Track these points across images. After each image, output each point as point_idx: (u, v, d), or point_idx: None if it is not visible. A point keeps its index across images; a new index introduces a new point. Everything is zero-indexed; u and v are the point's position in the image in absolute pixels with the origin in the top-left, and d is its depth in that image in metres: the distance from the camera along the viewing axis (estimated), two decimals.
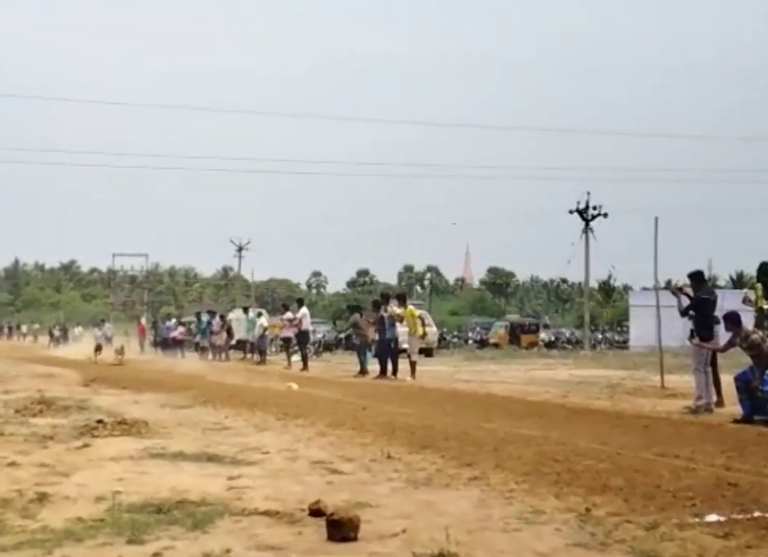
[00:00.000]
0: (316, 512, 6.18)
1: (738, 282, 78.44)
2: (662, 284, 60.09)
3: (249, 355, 35.60)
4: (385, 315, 23.99)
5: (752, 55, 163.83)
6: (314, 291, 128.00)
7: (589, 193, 55.09)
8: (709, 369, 14.13)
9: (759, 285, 13.68)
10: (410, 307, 24.49)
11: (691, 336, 14.42)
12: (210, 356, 37.02)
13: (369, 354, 25.41)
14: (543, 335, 59.33)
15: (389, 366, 23.40)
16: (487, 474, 7.95)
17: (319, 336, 43.66)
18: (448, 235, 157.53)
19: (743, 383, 12.61)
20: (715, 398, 14.14)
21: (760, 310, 13.07)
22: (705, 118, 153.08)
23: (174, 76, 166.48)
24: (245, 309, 38.80)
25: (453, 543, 5.31)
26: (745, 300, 13.81)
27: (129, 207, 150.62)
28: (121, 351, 33.38)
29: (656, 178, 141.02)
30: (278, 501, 6.80)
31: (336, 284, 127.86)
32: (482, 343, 55.31)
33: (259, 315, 36.06)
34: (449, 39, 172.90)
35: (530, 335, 57.65)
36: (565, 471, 8.08)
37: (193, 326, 40.98)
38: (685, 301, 14.44)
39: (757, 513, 6.28)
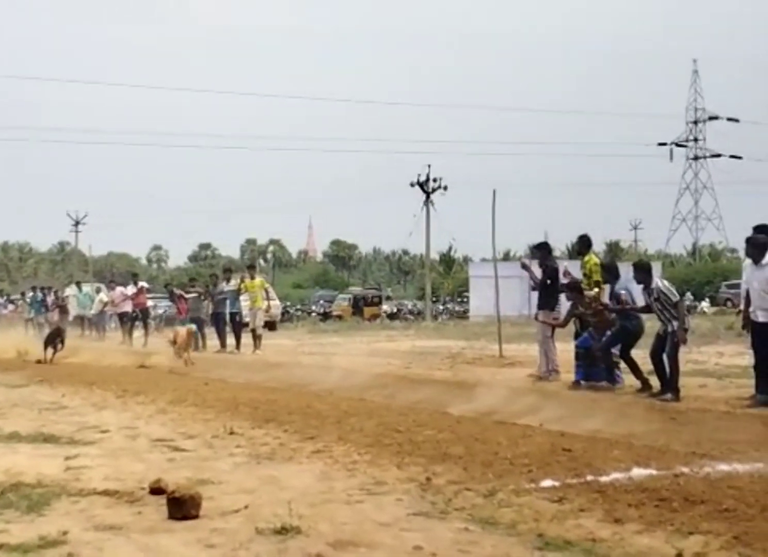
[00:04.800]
0: (156, 490, 6.08)
1: (573, 253, 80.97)
2: (501, 255, 61.06)
3: (87, 332, 34.69)
4: (226, 288, 23.86)
5: (588, 30, 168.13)
6: (155, 265, 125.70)
7: (429, 166, 55.78)
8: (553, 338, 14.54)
9: (593, 258, 14.11)
10: (260, 279, 24.44)
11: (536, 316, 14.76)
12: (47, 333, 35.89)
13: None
14: (385, 307, 59.86)
15: (231, 341, 23.31)
16: (330, 447, 7.99)
17: (161, 311, 42.91)
18: (291, 208, 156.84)
19: (584, 349, 13.04)
20: (551, 366, 14.54)
21: (597, 283, 13.48)
22: (543, 92, 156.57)
23: (12, 44, 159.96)
24: (78, 284, 37.75)
25: (295, 516, 5.31)
26: (565, 274, 14.26)
27: None
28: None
29: (494, 151, 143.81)
30: (118, 481, 6.66)
31: (177, 258, 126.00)
32: (325, 316, 55.41)
33: (98, 290, 35.14)
34: (297, 13, 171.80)
35: (373, 307, 58.09)
36: (406, 441, 8.19)
37: (20, 303, 39.39)
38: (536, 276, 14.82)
39: (589, 477, 6.51)
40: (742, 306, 11.91)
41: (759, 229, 11.61)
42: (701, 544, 4.86)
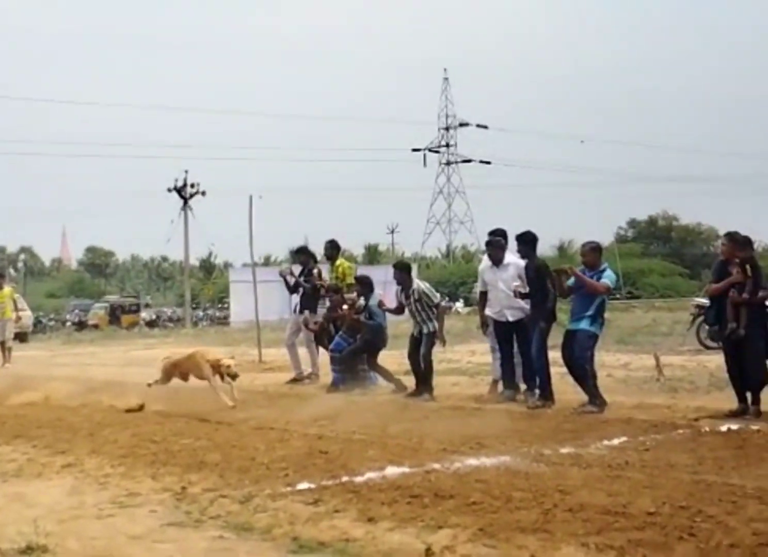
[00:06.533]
0: None
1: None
2: (261, 260, 60.91)
3: None
4: None
5: (345, 37, 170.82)
6: None
7: (187, 171, 55.16)
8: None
9: (344, 262, 14.43)
10: (9, 288, 23.38)
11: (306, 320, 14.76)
12: None
13: None
14: (144, 314, 58.70)
15: None
16: (81, 461, 7.75)
17: None
18: (43, 215, 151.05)
19: (338, 353, 13.19)
20: (313, 369, 14.64)
21: (349, 285, 13.73)
22: (301, 97, 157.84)
23: None
24: None
25: (42, 534, 5.12)
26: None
27: None
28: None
29: (253, 156, 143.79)
30: None
31: None
32: (81, 325, 53.79)
33: None
34: (64, 17, 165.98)
35: (131, 315, 56.94)
36: (162, 451, 8.07)
37: None
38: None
39: (345, 478, 6.61)
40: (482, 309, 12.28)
41: (495, 232, 12.12)
42: (450, 537, 5.02)
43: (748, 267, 9.69)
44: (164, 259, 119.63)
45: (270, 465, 7.22)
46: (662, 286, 68.54)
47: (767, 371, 9.83)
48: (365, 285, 13.17)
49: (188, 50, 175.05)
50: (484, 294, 12.05)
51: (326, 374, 13.83)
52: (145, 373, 17.29)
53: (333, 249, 14.63)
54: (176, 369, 11.64)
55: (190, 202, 54.38)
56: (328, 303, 14.12)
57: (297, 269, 15.05)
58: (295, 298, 15.15)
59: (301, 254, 15.29)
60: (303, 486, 6.41)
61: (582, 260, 10.72)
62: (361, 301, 13.12)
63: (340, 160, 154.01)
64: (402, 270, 12.54)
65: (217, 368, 10.85)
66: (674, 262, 78.23)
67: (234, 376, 10.84)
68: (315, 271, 14.64)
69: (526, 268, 11.26)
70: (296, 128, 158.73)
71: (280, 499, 6.03)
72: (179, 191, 54.48)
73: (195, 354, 11.49)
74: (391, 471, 6.83)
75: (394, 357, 14.13)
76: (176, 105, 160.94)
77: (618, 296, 49.38)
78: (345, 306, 13.39)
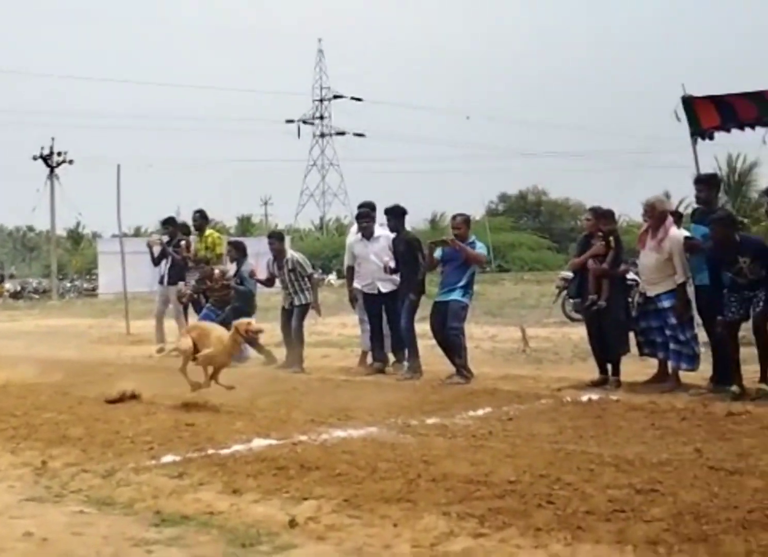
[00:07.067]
0: None
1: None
2: (131, 231, 59.88)
3: None
4: None
5: (221, 6, 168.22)
6: None
7: (53, 139, 53.66)
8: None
9: (213, 233, 14.34)
10: None
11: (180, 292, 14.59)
12: None
13: None
14: (8, 285, 57.02)
15: None
16: None
17: None
18: None
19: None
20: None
21: (218, 255, 13.66)
22: (172, 66, 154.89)
23: None
24: None
25: None
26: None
27: None
28: None
29: (124, 125, 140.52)
30: None
31: None
32: None
33: None
34: None
35: None
36: (23, 425, 7.90)
37: None
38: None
39: (211, 451, 6.58)
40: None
41: (363, 205, 12.16)
42: (314, 509, 5.05)
43: (611, 239, 9.96)
44: (30, 228, 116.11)
45: (135, 438, 7.14)
46: (531, 260, 69.85)
47: (628, 342, 10.15)
48: (239, 250, 13.13)
49: (57, 13, 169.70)
50: (351, 269, 12.12)
51: None
52: (8, 346, 16.90)
53: (202, 219, 14.50)
54: (189, 333, 9.97)
55: (57, 171, 52.95)
56: (197, 275, 14.00)
57: (166, 240, 14.88)
58: (162, 269, 14.95)
59: (169, 225, 15.13)
60: (168, 459, 6.36)
61: (454, 232, 10.83)
62: (233, 268, 13.06)
63: (212, 131, 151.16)
64: (278, 239, 12.58)
65: (243, 332, 9.38)
66: (543, 236, 79.65)
67: (257, 332, 9.79)
68: (183, 242, 14.48)
69: (395, 241, 11.36)
70: (169, 97, 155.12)
71: (144, 473, 5.98)
72: (45, 159, 52.98)
73: (213, 330, 9.87)
74: (258, 443, 6.83)
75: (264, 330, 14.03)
76: (45, 71, 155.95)
77: (488, 269, 50.13)
78: (217, 271, 13.28)
